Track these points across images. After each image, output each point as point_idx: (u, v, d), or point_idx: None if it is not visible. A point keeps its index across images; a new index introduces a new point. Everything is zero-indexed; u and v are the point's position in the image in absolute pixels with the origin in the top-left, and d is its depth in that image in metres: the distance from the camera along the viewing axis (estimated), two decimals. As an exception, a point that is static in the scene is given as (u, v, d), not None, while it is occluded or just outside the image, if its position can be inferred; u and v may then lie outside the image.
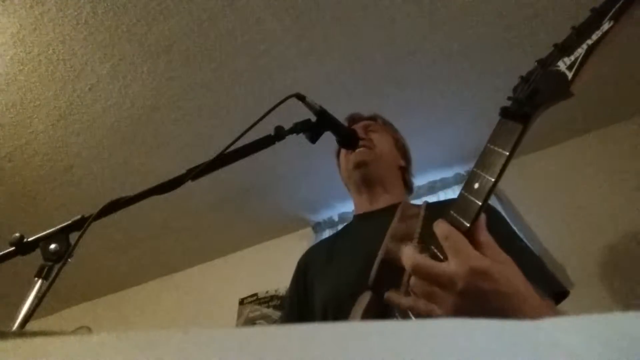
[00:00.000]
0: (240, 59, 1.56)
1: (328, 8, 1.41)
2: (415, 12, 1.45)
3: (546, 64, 0.43)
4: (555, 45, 0.43)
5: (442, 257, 0.45)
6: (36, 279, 0.52)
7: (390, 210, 0.82)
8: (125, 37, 1.44)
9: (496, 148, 0.43)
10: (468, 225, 0.43)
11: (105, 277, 2.78)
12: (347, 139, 0.77)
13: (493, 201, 1.88)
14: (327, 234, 2.33)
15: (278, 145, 0.69)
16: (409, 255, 0.44)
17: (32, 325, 0.46)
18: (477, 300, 0.41)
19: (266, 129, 0.68)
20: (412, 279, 0.45)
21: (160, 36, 1.45)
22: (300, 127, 0.71)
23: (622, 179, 1.80)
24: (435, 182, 2.18)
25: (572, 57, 0.40)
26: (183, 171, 0.64)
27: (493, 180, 0.42)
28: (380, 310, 0.60)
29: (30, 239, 0.56)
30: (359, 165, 0.90)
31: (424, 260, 0.44)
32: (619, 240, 1.67)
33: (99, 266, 2.63)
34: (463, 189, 0.46)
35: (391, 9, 1.44)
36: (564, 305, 0.60)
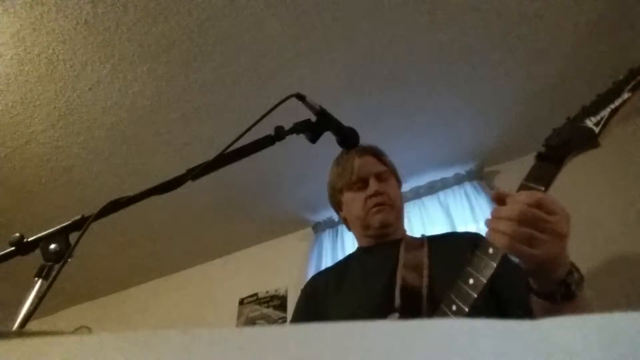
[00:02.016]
0: (240, 59, 1.56)
1: (328, 8, 1.41)
2: (415, 12, 1.45)
3: (575, 120, 0.55)
4: (583, 107, 0.55)
5: (482, 279, 0.52)
6: (36, 279, 0.52)
7: (393, 243, 0.89)
8: (125, 37, 1.44)
9: (533, 185, 0.53)
10: None
11: (105, 277, 2.78)
12: (347, 139, 0.77)
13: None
14: (327, 234, 2.32)
15: (278, 145, 0.69)
16: (531, 193, 0.52)
17: (32, 325, 0.46)
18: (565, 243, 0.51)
19: (266, 129, 0.67)
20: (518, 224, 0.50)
21: (160, 36, 1.45)
22: (300, 127, 0.71)
23: (623, 180, 1.80)
24: (435, 182, 2.18)
25: (598, 117, 0.53)
26: (183, 171, 0.64)
27: None
28: None
29: (30, 239, 0.56)
30: (385, 226, 0.92)
31: (547, 195, 0.52)
32: (628, 247, 1.65)
33: (99, 266, 2.62)
34: None
35: (391, 9, 1.44)
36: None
